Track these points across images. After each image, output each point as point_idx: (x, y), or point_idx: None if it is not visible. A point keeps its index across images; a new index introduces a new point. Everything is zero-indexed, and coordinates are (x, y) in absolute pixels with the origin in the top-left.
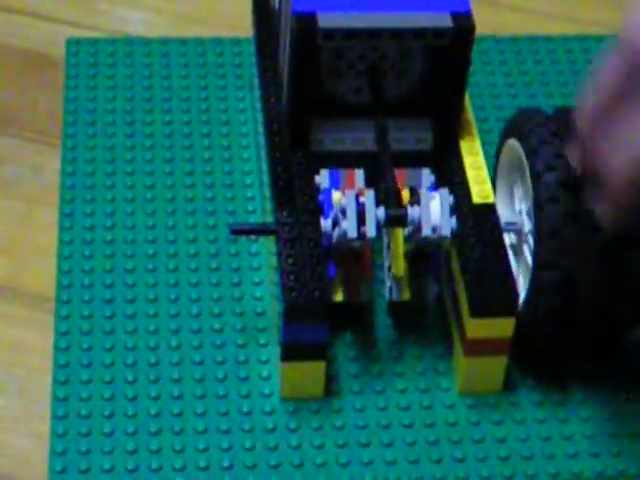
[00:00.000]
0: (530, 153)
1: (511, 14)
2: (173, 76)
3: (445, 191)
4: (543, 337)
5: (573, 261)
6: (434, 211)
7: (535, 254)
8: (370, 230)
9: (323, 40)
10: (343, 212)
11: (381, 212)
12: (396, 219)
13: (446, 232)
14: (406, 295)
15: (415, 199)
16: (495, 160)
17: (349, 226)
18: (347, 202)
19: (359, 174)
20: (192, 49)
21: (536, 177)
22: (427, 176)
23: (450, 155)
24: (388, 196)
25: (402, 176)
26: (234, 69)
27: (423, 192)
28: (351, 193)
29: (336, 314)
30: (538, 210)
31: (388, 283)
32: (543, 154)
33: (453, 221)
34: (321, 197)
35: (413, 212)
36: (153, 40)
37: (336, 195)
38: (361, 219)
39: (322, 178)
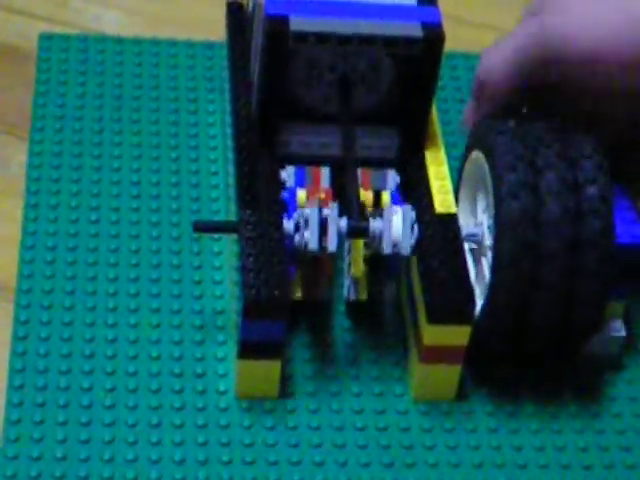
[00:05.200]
0: (490, 155)
1: (485, 32)
2: (144, 75)
3: (408, 208)
4: (498, 342)
5: (532, 261)
6: (395, 227)
7: (495, 253)
8: (331, 244)
9: (294, 43)
10: (306, 221)
11: (343, 223)
12: (357, 231)
13: (405, 251)
14: (363, 295)
15: (378, 212)
16: (459, 173)
17: (311, 238)
18: (310, 215)
19: (325, 172)
20: (164, 50)
21: (497, 177)
22: (393, 177)
23: (415, 164)
24: (351, 207)
25: (367, 177)
26: (205, 72)
27: (386, 207)
28: (314, 206)
29: (294, 312)
30: (498, 207)
31: (347, 283)
32: (504, 155)
33: (414, 238)
34: (286, 195)
35: (375, 225)
36: (125, 39)
37: (301, 194)
38: (323, 230)
39: (288, 175)
